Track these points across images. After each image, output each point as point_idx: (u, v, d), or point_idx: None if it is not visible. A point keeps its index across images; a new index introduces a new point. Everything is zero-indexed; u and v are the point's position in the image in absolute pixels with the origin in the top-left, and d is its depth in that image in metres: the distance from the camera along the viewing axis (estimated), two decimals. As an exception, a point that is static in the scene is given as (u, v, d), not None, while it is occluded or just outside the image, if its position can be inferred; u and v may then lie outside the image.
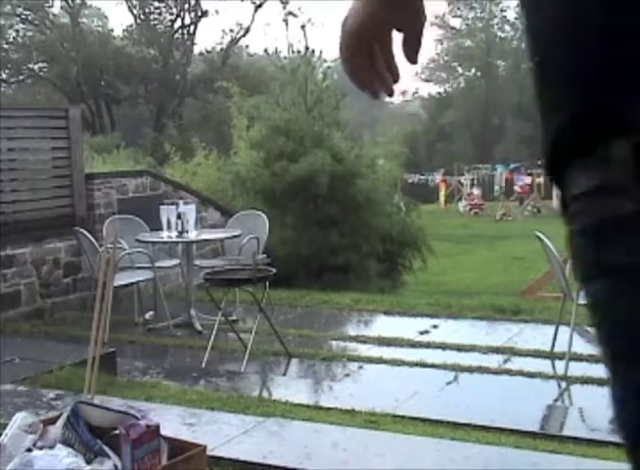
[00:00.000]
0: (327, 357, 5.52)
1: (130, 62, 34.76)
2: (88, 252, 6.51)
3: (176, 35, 35.90)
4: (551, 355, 5.31)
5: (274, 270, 5.53)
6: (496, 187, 31.70)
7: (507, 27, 51.79)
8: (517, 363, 5.23)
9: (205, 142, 14.42)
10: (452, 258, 18.41)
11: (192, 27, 35.61)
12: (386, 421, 4.00)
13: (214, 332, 5.40)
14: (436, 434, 3.78)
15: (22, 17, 35.05)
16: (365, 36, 1.03)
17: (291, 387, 4.99)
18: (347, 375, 5.18)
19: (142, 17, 36.25)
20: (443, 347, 5.68)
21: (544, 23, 0.78)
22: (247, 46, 39.42)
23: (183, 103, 35.60)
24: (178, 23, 35.56)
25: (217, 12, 39.60)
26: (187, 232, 6.30)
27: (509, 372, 5.04)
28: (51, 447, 2.57)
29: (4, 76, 35.73)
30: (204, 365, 5.29)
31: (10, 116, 6.83)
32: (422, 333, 6.12)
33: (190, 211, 6.38)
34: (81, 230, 6.62)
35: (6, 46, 34.33)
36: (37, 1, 34.08)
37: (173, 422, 3.82)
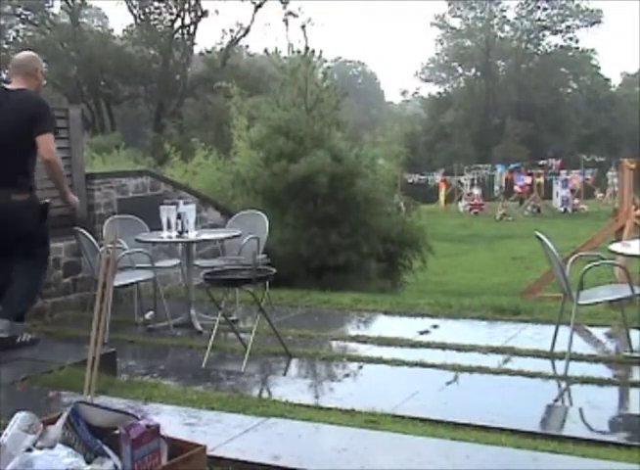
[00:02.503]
0: (327, 357, 5.52)
1: (130, 62, 34.77)
2: (88, 252, 6.50)
3: (176, 35, 35.90)
4: (551, 355, 5.31)
5: (274, 270, 5.52)
6: (496, 187, 31.72)
7: (507, 27, 51.82)
8: (517, 363, 5.22)
9: (205, 142, 14.42)
10: (452, 258, 18.43)
11: (192, 27, 35.63)
12: (386, 421, 4.00)
13: (214, 332, 5.40)
14: (436, 434, 3.78)
15: (22, 17, 35.08)
16: None
17: (291, 387, 4.98)
18: (347, 375, 5.18)
19: (142, 17, 36.26)
20: (443, 347, 5.67)
21: None
22: (247, 46, 39.50)
23: (183, 103, 35.60)
24: (178, 23, 35.59)
25: (217, 12, 39.54)
26: (187, 232, 6.29)
27: (509, 372, 5.03)
28: (51, 447, 2.57)
29: (4, 76, 35.70)
30: (204, 365, 5.29)
31: (10, 116, 6.81)
32: (422, 333, 6.11)
33: (190, 211, 6.38)
34: (81, 230, 6.61)
35: (6, 46, 34.31)
36: (37, 1, 34.11)
37: (173, 422, 3.83)
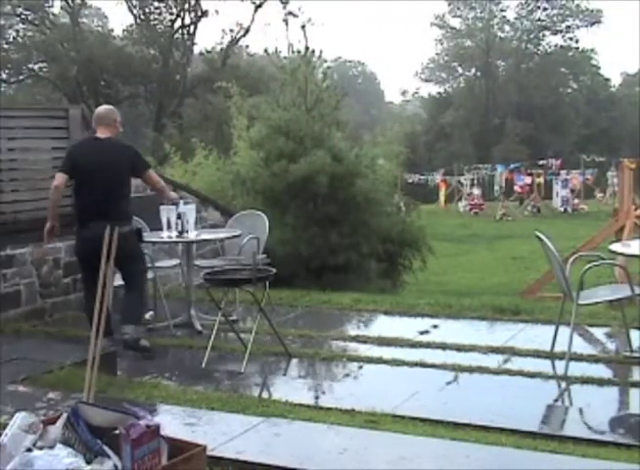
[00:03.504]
0: (327, 357, 5.52)
1: (130, 62, 34.71)
2: (88, 252, 6.49)
3: (176, 35, 35.84)
4: (551, 355, 5.31)
5: (274, 270, 5.52)
6: (496, 187, 31.70)
7: (507, 27, 51.79)
8: (517, 363, 5.22)
9: (205, 142, 14.41)
10: (452, 258, 18.42)
11: (192, 27, 35.57)
12: (386, 421, 4.00)
13: (214, 332, 5.40)
14: (436, 434, 3.78)
15: (22, 17, 35.02)
16: None
17: (291, 387, 4.99)
18: (347, 375, 5.18)
19: (142, 17, 36.20)
20: (443, 347, 5.67)
21: None
22: (247, 46, 39.41)
23: (183, 103, 35.56)
24: (178, 23, 35.52)
25: (217, 12, 39.41)
26: (187, 232, 6.29)
27: (509, 372, 5.03)
28: (51, 447, 2.57)
29: (4, 76, 35.70)
30: (204, 365, 5.29)
31: (10, 116, 6.81)
32: (422, 333, 6.11)
33: (190, 210, 6.38)
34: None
35: (6, 46, 34.28)
36: (37, 1, 34.05)
37: (173, 422, 3.83)
